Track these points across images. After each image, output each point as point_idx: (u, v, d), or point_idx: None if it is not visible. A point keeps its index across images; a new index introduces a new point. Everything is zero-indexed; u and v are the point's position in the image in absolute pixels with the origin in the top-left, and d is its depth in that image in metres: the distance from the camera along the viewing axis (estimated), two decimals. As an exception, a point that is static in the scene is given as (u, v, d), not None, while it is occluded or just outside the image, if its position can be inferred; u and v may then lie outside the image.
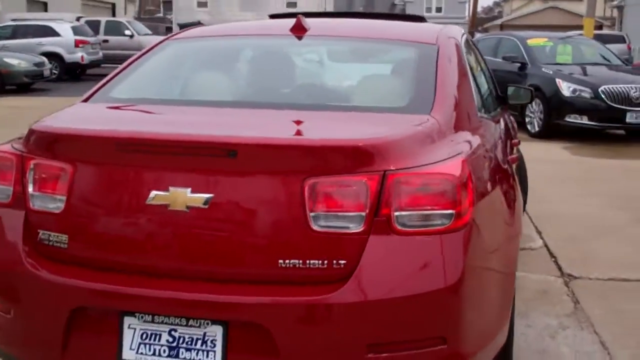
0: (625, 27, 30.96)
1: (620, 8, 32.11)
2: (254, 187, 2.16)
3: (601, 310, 3.90)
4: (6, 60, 16.84)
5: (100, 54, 22.14)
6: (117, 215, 2.26)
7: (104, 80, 3.00)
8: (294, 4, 47.99)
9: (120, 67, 3.10)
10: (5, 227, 2.41)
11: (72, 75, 20.93)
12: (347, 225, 2.13)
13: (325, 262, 2.11)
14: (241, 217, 2.17)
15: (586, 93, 10.20)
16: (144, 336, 2.21)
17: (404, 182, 2.14)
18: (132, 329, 2.22)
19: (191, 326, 2.18)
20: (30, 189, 2.36)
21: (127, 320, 2.22)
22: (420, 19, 3.96)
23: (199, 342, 2.17)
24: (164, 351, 2.19)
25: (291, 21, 3.23)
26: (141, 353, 2.21)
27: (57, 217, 2.30)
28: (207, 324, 2.16)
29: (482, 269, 2.31)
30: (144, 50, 3.24)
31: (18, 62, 17.06)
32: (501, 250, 2.53)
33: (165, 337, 2.20)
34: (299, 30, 3.15)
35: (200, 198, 2.15)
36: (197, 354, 2.17)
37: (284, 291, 2.12)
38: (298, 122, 2.48)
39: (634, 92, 9.99)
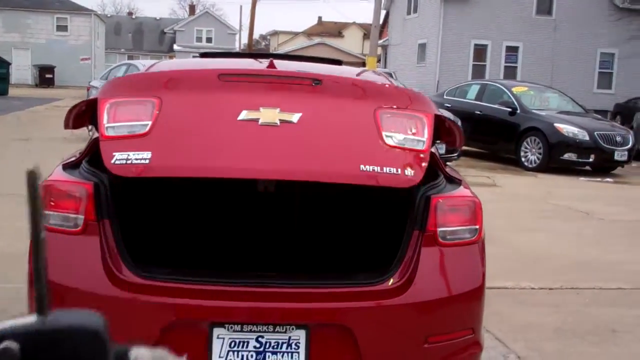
0: (389, 64, 34.17)
1: (384, 47, 35.32)
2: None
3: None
4: None
5: None
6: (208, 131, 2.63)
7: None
8: (65, 28, 46.14)
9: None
10: None
11: None
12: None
13: (399, 170, 2.61)
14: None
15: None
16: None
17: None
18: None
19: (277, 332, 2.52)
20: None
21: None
22: (339, 62, 4.52)
23: (285, 345, 2.52)
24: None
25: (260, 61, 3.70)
26: None
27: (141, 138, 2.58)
28: (292, 328, 2.52)
29: None
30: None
31: None
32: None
33: (252, 343, 2.52)
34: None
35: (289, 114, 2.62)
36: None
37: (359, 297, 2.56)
38: None
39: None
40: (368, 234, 3.44)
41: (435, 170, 2.88)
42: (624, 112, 24.79)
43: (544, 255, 6.59)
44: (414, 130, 2.71)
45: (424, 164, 2.66)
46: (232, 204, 3.76)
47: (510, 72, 27.96)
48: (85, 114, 2.84)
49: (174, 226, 3.58)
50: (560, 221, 8.47)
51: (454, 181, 2.89)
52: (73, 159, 2.86)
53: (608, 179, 13.07)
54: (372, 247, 3.23)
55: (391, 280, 2.60)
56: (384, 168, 2.59)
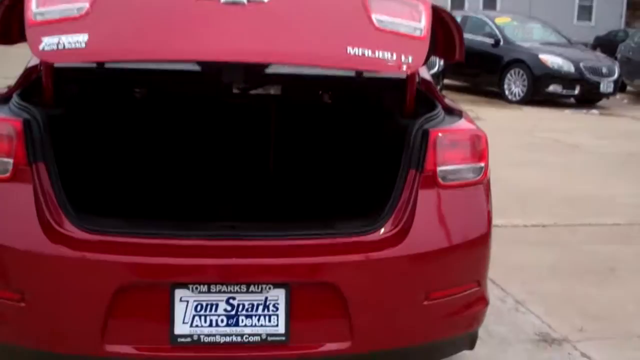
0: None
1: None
2: None
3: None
4: None
5: None
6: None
7: None
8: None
9: None
10: None
11: None
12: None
13: (393, 54, 2.18)
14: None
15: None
16: None
17: None
18: None
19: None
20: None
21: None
22: None
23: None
24: None
25: None
26: None
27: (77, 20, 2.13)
28: (269, 287, 2.16)
29: None
30: None
31: None
32: None
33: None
34: None
35: None
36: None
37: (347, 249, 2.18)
38: None
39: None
40: (356, 175, 3.04)
41: (431, 100, 2.49)
42: (604, 45, 24.50)
43: (534, 191, 6.34)
44: (409, 16, 2.27)
45: (423, 52, 2.23)
46: (194, 135, 3.32)
47: (489, 3, 27.33)
48: (12, 15, 2.33)
49: (125, 167, 3.14)
50: (548, 155, 8.23)
51: (454, 113, 2.50)
52: (2, 92, 2.42)
53: (593, 111, 12.86)
54: (361, 190, 2.83)
55: (383, 229, 2.23)
56: (376, 52, 2.16)
